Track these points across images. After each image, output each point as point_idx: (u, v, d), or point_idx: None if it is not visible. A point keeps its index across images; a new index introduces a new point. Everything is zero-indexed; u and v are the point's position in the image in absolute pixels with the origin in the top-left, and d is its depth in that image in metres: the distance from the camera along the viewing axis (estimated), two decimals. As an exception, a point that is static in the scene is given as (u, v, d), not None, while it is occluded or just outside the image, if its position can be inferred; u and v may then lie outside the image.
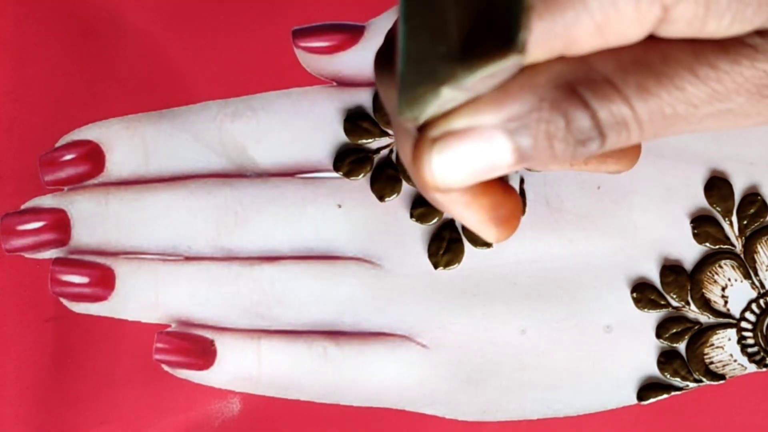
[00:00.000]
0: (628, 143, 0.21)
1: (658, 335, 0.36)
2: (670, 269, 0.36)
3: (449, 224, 0.36)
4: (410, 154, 0.22)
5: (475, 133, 0.21)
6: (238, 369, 0.36)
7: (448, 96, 0.20)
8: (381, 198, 0.36)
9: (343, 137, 0.36)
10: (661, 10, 0.20)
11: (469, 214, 0.23)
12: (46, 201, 0.37)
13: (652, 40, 0.21)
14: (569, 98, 0.21)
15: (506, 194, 0.24)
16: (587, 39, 0.20)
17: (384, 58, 0.22)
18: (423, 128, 0.21)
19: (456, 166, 0.21)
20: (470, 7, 0.19)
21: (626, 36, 0.21)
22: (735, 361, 0.36)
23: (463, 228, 0.36)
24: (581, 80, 0.21)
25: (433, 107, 0.20)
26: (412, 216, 0.36)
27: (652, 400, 0.36)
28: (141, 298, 0.36)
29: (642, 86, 0.21)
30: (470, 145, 0.21)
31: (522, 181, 0.36)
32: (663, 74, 0.21)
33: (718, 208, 0.36)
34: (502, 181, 0.24)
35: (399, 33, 0.19)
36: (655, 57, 0.21)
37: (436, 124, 0.21)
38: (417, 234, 0.36)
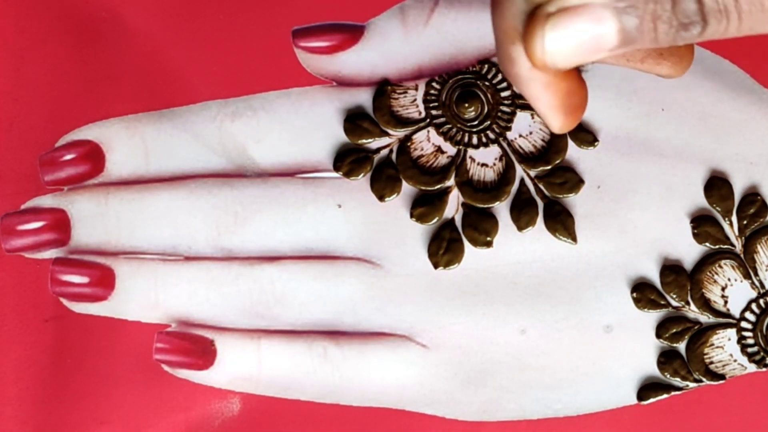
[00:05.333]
0: (726, 34, 0.22)
1: (658, 335, 0.36)
2: (670, 269, 0.36)
3: (449, 224, 0.36)
4: (510, 27, 0.22)
5: (588, 10, 0.22)
6: (238, 369, 0.36)
7: None
8: (381, 198, 0.36)
9: (343, 137, 0.36)
10: None
11: (545, 96, 0.24)
12: (46, 201, 0.37)
13: None
14: None
15: (580, 84, 0.24)
16: None
17: None
18: (538, 5, 0.22)
19: (566, 44, 0.22)
20: None
21: None
22: (735, 361, 0.36)
23: (463, 228, 0.36)
24: None
25: None
26: (412, 216, 0.36)
27: (652, 400, 0.36)
28: (141, 298, 0.36)
29: None
30: (582, 22, 0.22)
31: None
32: None
33: (718, 208, 0.36)
34: (578, 71, 0.24)
35: None
36: None
37: (552, 0, 0.22)
38: (417, 234, 0.36)
